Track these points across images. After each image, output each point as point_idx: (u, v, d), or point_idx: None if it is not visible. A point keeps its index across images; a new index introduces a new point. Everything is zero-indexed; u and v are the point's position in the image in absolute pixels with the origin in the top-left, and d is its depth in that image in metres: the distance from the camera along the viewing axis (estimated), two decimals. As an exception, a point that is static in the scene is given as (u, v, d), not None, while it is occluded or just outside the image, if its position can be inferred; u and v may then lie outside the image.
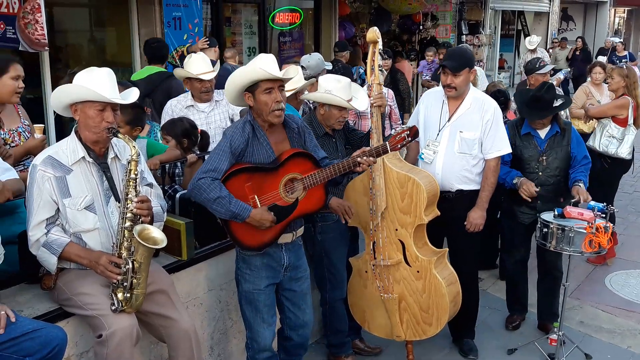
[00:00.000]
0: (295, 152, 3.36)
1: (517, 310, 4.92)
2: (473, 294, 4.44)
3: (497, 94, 5.84)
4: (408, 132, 3.39)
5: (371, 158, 3.34)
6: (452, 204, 4.19)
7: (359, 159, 3.32)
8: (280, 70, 3.38)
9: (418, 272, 3.97)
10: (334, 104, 3.91)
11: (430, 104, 4.32)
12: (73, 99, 2.98)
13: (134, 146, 2.98)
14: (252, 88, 3.25)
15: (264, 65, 3.23)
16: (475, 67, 4.62)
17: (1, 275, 3.19)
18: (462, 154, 4.17)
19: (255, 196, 3.28)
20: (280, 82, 3.27)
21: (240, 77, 3.25)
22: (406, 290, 4.03)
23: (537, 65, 6.29)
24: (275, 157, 3.34)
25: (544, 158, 4.43)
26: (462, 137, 4.15)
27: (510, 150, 4.29)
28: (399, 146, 3.40)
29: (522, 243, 4.64)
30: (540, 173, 4.44)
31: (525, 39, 17.87)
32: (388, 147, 3.36)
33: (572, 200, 4.20)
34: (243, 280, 3.47)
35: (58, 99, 3.02)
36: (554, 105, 4.51)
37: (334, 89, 3.91)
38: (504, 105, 5.84)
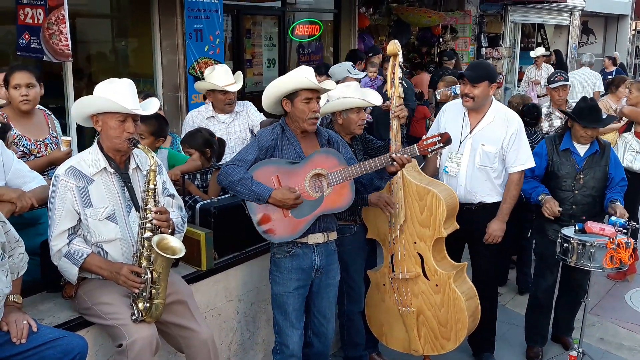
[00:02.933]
0: (322, 148, 3.49)
1: (539, 342, 4.70)
2: (494, 307, 4.41)
3: (532, 109, 5.85)
4: (439, 138, 3.45)
5: (406, 156, 3.42)
6: (474, 216, 4.18)
7: (393, 155, 3.40)
8: None
9: (437, 285, 3.95)
10: (352, 106, 3.91)
11: (451, 116, 4.32)
12: (94, 110, 3.02)
13: (153, 157, 3.01)
14: (291, 96, 3.41)
15: (308, 76, 3.40)
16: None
17: (23, 285, 3.22)
18: (482, 167, 4.16)
19: (281, 187, 3.36)
20: (317, 94, 3.42)
21: (285, 83, 3.41)
22: (424, 304, 4.01)
23: (551, 79, 6.37)
24: (304, 156, 3.45)
25: (581, 177, 4.33)
26: (483, 150, 4.15)
27: (534, 164, 4.26)
28: (429, 150, 3.47)
29: (555, 263, 4.44)
30: (576, 192, 4.34)
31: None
32: (417, 149, 3.46)
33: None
34: (274, 283, 3.54)
35: (79, 110, 3.06)
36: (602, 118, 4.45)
37: (346, 93, 3.93)
38: (536, 121, 5.87)
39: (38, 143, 3.79)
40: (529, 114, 5.78)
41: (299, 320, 3.55)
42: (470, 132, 4.20)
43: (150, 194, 2.99)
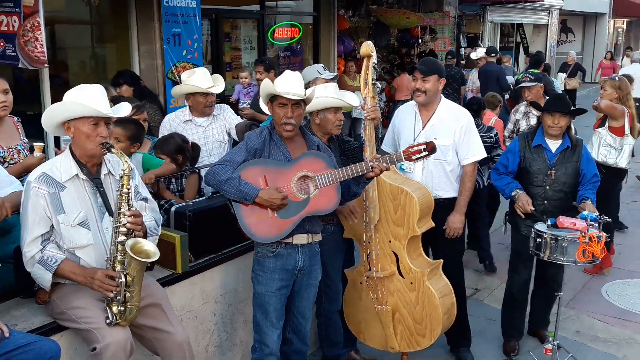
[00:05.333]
0: (310, 151, 3.51)
1: (515, 336, 4.77)
2: (461, 300, 4.42)
3: (472, 101, 6.38)
4: (425, 146, 3.49)
5: (384, 164, 3.46)
6: (434, 213, 4.22)
7: (371, 163, 3.43)
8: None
9: (411, 283, 4.00)
10: (329, 106, 3.92)
11: (404, 116, 4.42)
12: (67, 116, 3.01)
13: (126, 161, 3.02)
14: (272, 99, 3.50)
15: (280, 82, 3.46)
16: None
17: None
18: (437, 161, 4.23)
19: (268, 187, 3.39)
20: (294, 100, 3.43)
21: (262, 89, 3.50)
22: (400, 302, 4.06)
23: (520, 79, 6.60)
24: (292, 159, 3.48)
25: (553, 172, 4.39)
26: (436, 144, 4.18)
27: (485, 155, 4.41)
28: (414, 158, 3.51)
29: (529, 258, 4.48)
30: (547, 187, 4.41)
31: (524, 51, 17.94)
32: (402, 156, 3.50)
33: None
34: (256, 282, 3.57)
35: (51, 117, 3.04)
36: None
37: (323, 93, 3.93)
38: (477, 112, 6.26)
39: (10, 150, 3.79)
40: (470, 106, 6.13)
41: (279, 320, 3.59)
42: (423, 128, 4.28)
43: (124, 198, 3.00)
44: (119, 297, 2.95)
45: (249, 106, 7.03)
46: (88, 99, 2.99)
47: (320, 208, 3.48)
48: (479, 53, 11.92)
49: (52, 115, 3.04)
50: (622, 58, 19.37)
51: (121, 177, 3.02)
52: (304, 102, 3.52)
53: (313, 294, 3.76)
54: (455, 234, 4.30)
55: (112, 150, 3.03)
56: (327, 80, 6.46)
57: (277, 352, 3.62)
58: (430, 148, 3.50)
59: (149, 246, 3.04)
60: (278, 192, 3.36)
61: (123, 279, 2.95)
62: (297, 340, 3.80)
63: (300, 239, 3.52)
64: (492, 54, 11.91)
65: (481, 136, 4.63)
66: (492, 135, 5.99)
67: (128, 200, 3.02)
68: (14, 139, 3.86)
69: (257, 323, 3.60)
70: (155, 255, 3.02)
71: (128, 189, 3.01)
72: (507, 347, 4.73)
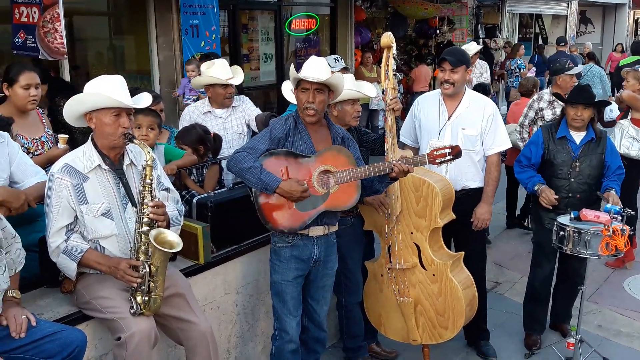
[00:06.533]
0: (334, 145, 3.50)
1: (537, 329, 4.73)
2: (482, 293, 4.40)
3: (477, 88, 6.42)
4: (450, 150, 3.46)
5: (407, 165, 3.43)
6: (458, 204, 4.17)
7: (394, 162, 3.40)
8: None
9: (434, 275, 3.98)
10: (347, 98, 3.91)
11: (426, 106, 4.37)
12: (88, 107, 3.01)
13: (149, 152, 3.01)
14: (296, 85, 3.47)
15: (305, 67, 3.45)
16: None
17: (22, 281, 3.25)
18: (465, 151, 4.13)
19: (290, 179, 3.39)
20: (317, 85, 3.40)
21: (290, 74, 3.49)
22: (422, 294, 4.04)
23: (566, 66, 6.26)
24: (315, 151, 3.46)
25: (577, 164, 4.35)
26: (464, 134, 4.19)
27: (510, 145, 4.38)
28: (438, 161, 3.49)
29: (551, 251, 4.44)
30: (572, 179, 4.36)
31: (542, 41, 17.72)
32: (426, 159, 3.49)
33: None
34: (273, 271, 3.58)
35: (73, 109, 3.04)
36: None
37: None
38: None
39: (35, 141, 3.81)
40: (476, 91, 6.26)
41: (296, 308, 3.60)
42: (449, 118, 4.24)
43: (147, 188, 3.00)
44: (143, 287, 2.96)
45: (193, 102, 6.17)
46: (109, 89, 3.00)
47: (338, 204, 3.47)
48: (471, 49, 9.21)
49: (74, 106, 3.04)
50: None
51: (144, 167, 3.01)
52: (330, 89, 3.48)
53: (330, 283, 3.76)
54: (483, 225, 4.27)
55: (134, 140, 3.04)
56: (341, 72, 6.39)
57: (297, 339, 3.63)
58: (455, 152, 3.48)
59: (173, 237, 3.04)
60: (299, 184, 3.35)
61: (147, 269, 2.95)
62: (314, 327, 3.80)
63: (316, 230, 3.52)
64: (562, 44, 12.47)
65: None
66: None
67: (151, 191, 3.01)
68: (39, 130, 3.88)
69: (276, 311, 3.62)
70: (179, 246, 3.02)
71: (151, 180, 3.01)
72: (529, 340, 4.70)
